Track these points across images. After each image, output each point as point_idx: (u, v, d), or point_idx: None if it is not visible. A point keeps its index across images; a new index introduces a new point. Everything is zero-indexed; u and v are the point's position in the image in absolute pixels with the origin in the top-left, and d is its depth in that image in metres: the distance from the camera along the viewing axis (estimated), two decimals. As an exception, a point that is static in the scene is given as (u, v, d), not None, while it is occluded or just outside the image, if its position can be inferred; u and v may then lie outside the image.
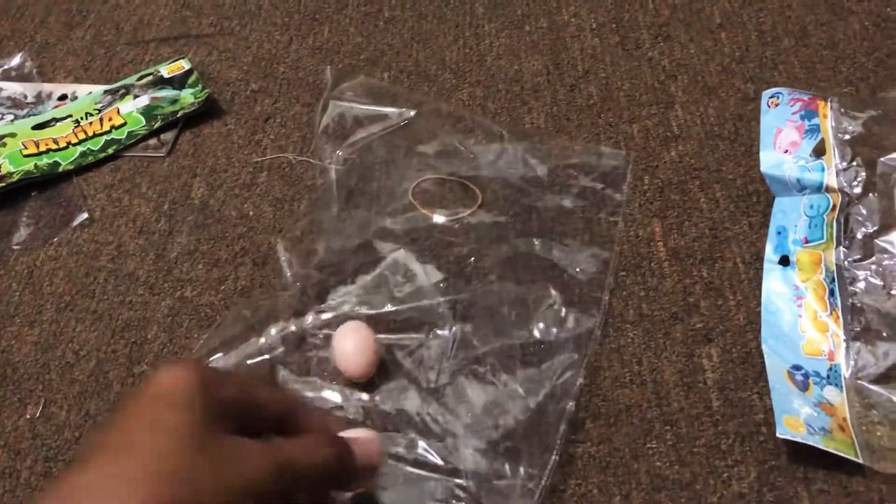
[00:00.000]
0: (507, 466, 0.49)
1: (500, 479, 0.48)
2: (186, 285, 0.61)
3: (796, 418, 0.48)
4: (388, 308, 0.57)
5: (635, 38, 0.76)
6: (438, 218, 0.62)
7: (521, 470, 0.49)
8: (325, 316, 0.57)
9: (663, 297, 0.57)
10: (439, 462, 0.50)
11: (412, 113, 0.69)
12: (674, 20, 0.77)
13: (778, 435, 0.47)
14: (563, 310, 0.56)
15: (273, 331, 0.56)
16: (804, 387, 0.50)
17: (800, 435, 0.47)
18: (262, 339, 0.56)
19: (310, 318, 0.57)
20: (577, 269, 0.58)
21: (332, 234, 0.62)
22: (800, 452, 0.48)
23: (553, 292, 0.57)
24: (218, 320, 0.58)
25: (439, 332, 0.56)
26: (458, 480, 0.49)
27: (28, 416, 0.55)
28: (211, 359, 0.55)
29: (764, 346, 0.53)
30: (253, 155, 0.69)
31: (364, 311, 0.57)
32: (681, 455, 0.49)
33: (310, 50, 0.79)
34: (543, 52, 0.75)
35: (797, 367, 0.52)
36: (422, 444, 0.51)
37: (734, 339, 0.54)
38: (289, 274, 0.59)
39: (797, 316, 0.54)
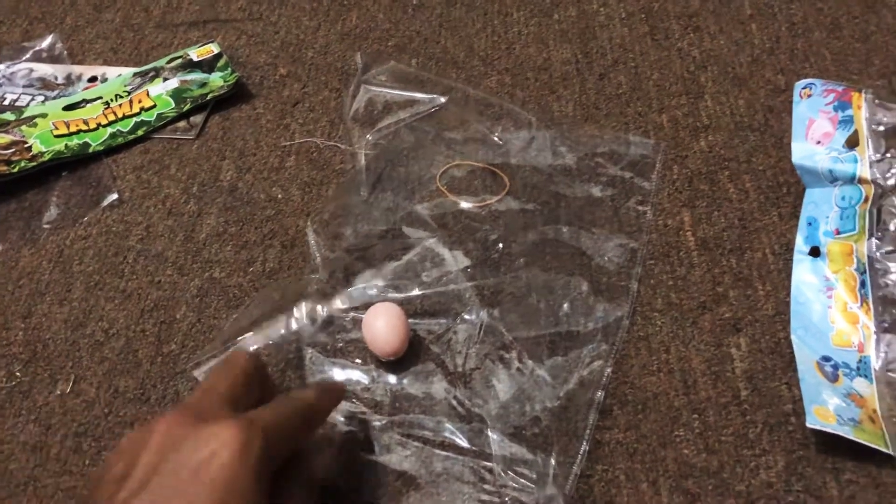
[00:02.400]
0: (536, 453, 0.49)
1: (530, 465, 0.48)
2: (215, 266, 0.61)
3: (826, 409, 0.48)
4: (416, 292, 0.57)
5: (665, 28, 0.75)
6: (466, 204, 0.62)
7: (551, 457, 0.49)
8: (354, 299, 0.57)
9: (692, 287, 0.57)
10: (466, 445, 0.50)
11: (442, 99, 0.69)
12: (703, 10, 0.76)
13: (808, 425, 0.47)
14: (592, 298, 0.56)
15: (301, 312, 0.57)
16: (834, 378, 0.50)
17: (829, 425, 0.47)
18: (291, 321, 0.56)
19: (338, 301, 0.57)
20: (606, 258, 0.58)
21: (361, 219, 0.62)
22: (829, 443, 0.48)
23: (581, 280, 0.57)
24: (247, 301, 0.59)
25: (466, 317, 0.56)
26: (486, 463, 0.49)
27: (59, 392, 0.56)
28: (239, 339, 0.55)
29: (793, 337, 0.53)
30: (281, 139, 0.70)
31: (392, 294, 0.57)
32: (708, 443, 0.49)
33: (338, 35, 0.79)
34: (572, 40, 0.75)
35: (826, 358, 0.51)
36: (449, 426, 0.51)
37: (763, 330, 0.54)
38: (318, 257, 0.60)
39: (827, 307, 0.53)
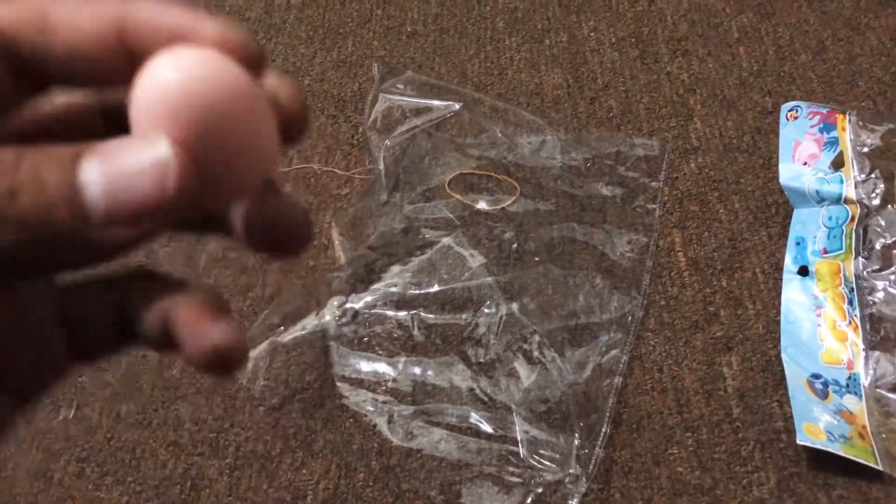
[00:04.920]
0: (559, 436, 0.51)
1: (553, 447, 0.50)
2: (215, 292, 0.62)
3: (816, 426, 0.49)
4: (437, 288, 0.59)
5: (654, 53, 0.77)
6: (481, 205, 0.65)
7: (574, 439, 0.51)
8: (376, 295, 0.59)
9: (684, 307, 0.58)
10: (491, 431, 0.52)
11: (457, 106, 0.71)
12: (692, 34, 0.78)
13: (798, 442, 0.48)
14: (606, 291, 0.58)
15: (327, 308, 0.59)
16: (823, 395, 0.51)
17: (820, 442, 0.48)
18: (318, 316, 0.58)
19: (361, 297, 0.59)
20: (618, 253, 0.60)
21: (381, 220, 0.64)
22: (820, 459, 0.49)
23: (595, 274, 0.59)
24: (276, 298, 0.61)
25: (486, 311, 0.58)
26: (511, 447, 0.51)
27: (61, 418, 0.56)
28: (270, 334, 0.58)
29: (783, 355, 0.54)
30: (279, 165, 0.71)
31: (413, 291, 0.59)
32: (702, 461, 0.50)
33: (334, 63, 0.80)
34: (563, 65, 0.77)
35: (816, 376, 0.52)
36: (474, 415, 0.53)
37: (754, 348, 0.55)
38: (342, 256, 0.61)
39: (816, 325, 0.54)
